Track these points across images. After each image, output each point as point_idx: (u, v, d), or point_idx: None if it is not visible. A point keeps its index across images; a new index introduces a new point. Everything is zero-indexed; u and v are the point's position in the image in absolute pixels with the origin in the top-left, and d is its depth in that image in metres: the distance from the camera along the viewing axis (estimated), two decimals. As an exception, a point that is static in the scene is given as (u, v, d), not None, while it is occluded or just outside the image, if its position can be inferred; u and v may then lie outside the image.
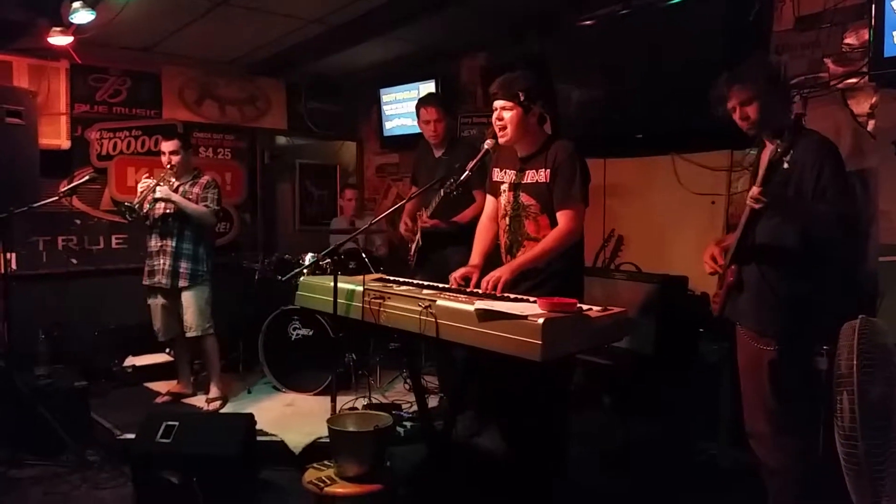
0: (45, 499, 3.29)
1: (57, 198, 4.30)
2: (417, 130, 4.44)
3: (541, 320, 2.15)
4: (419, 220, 4.14)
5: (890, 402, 2.11)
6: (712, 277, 2.82)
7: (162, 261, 4.37)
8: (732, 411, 3.17)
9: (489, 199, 3.20)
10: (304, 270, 4.10)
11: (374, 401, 4.45)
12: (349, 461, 2.78)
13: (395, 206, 3.42)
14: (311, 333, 4.76)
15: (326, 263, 4.54)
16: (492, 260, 3.07)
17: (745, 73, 2.61)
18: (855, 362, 2.13)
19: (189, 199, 4.35)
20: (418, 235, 4.17)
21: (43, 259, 5.30)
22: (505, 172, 3.07)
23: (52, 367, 4.38)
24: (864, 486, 2.12)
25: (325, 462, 2.93)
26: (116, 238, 5.65)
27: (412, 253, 4.23)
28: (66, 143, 5.34)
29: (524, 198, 2.95)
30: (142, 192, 4.26)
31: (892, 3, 2.95)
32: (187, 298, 4.39)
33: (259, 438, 3.59)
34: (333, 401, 3.18)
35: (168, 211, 4.35)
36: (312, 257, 4.77)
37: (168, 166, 4.36)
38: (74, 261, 5.43)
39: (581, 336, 2.37)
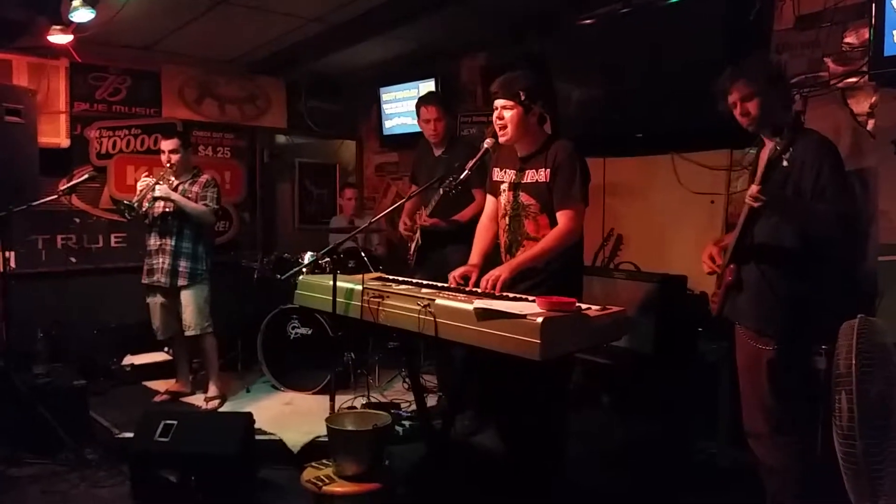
0: (44, 497, 3.29)
1: (56, 196, 4.29)
2: (417, 129, 4.43)
3: (540, 319, 2.15)
4: (418, 219, 4.14)
5: (888, 402, 2.12)
6: (711, 277, 2.82)
7: (161, 259, 4.37)
8: (731, 410, 3.17)
9: (489, 198, 3.20)
10: (304, 269, 4.11)
11: (372, 400, 4.45)
12: (348, 460, 2.78)
13: (395, 205, 3.42)
14: (309, 332, 4.76)
15: (325, 262, 4.54)
16: (491, 259, 3.07)
17: (748, 68, 2.62)
18: (854, 362, 2.14)
19: (188, 198, 4.34)
20: (418, 234, 4.16)
21: (42, 258, 5.30)
22: (505, 172, 3.07)
23: (51, 365, 4.38)
24: (862, 485, 2.12)
25: (324, 461, 2.92)
26: (115, 237, 5.65)
27: (411, 252, 4.23)
28: (65, 142, 5.34)
29: (524, 197, 2.95)
30: (141, 191, 4.26)
31: (893, 3, 2.95)
32: (186, 297, 4.39)
33: (257, 437, 3.59)
34: (332, 400, 3.18)
35: (167, 210, 4.34)
36: (311, 256, 4.77)
37: (167, 165, 4.36)
38: (73, 259, 5.43)
39: (580, 335, 2.37)
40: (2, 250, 4.05)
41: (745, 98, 2.56)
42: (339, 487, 2.75)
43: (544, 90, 3.03)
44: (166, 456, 3.11)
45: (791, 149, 2.39)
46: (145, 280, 4.47)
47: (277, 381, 4.82)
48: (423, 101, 4.20)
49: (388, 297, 2.69)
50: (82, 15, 4.09)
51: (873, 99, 3.26)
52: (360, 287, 2.82)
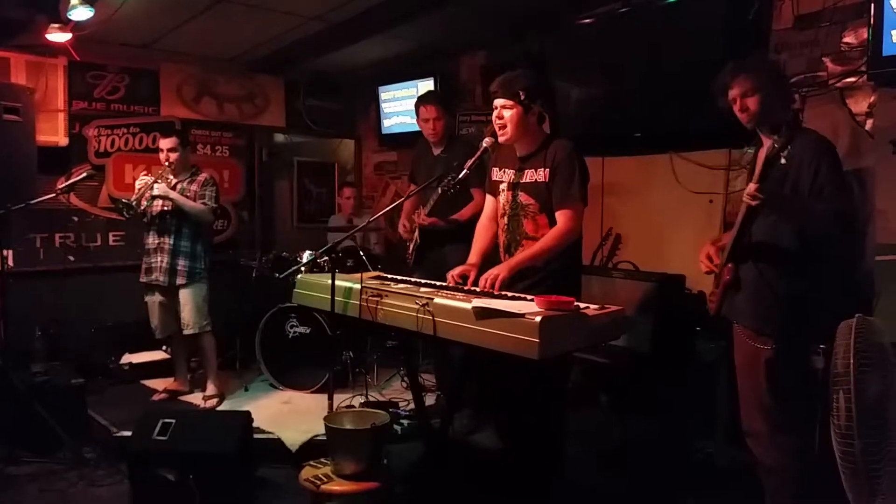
0: (42, 496, 3.29)
1: (54, 195, 4.29)
2: (416, 128, 4.43)
3: (538, 318, 2.15)
4: (417, 218, 4.14)
5: (886, 401, 2.12)
6: (709, 276, 2.82)
7: (159, 258, 4.37)
8: (729, 410, 3.17)
9: (488, 198, 3.20)
10: (302, 268, 4.12)
11: (371, 399, 4.45)
12: (346, 459, 2.78)
13: (393, 204, 3.42)
14: (308, 331, 4.76)
15: (324, 261, 4.54)
16: (490, 259, 3.07)
17: (749, 65, 2.62)
18: (851, 361, 2.14)
19: (187, 197, 4.34)
20: (416, 233, 4.16)
21: (40, 256, 5.29)
22: (504, 172, 3.07)
23: (49, 364, 4.38)
24: (860, 485, 2.13)
25: (322, 460, 2.92)
26: (114, 235, 5.64)
27: (410, 251, 4.23)
28: (63, 140, 5.33)
29: (523, 197, 2.95)
30: (139, 190, 4.26)
31: (892, 3, 2.95)
32: (185, 296, 4.39)
33: (256, 436, 3.59)
34: (330, 398, 3.18)
35: (166, 208, 4.34)
36: (310, 255, 4.78)
37: (166, 163, 4.35)
38: (72, 258, 5.43)
39: (578, 334, 2.37)
40: (0, 248, 4.05)
41: (746, 94, 2.56)
42: (338, 486, 2.75)
43: (543, 89, 3.03)
44: (164, 454, 3.11)
45: (789, 146, 2.39)
46: (143, 279, 4.47)
47: (276, 379, 4.82)
48: (422, 101, 4.20)
49: (386, 295, 2.69)
50: (81, 13, 4.09)
51: (872, 99, 3.26)
52: (358, 286, 2.82)
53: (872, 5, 3.01)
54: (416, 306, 2.49)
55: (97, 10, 4.15)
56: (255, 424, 3.55)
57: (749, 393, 2.67)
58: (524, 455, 2.99)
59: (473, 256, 3.08)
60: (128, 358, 5.15)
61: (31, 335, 4.79)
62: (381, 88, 6.16)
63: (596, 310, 2.44)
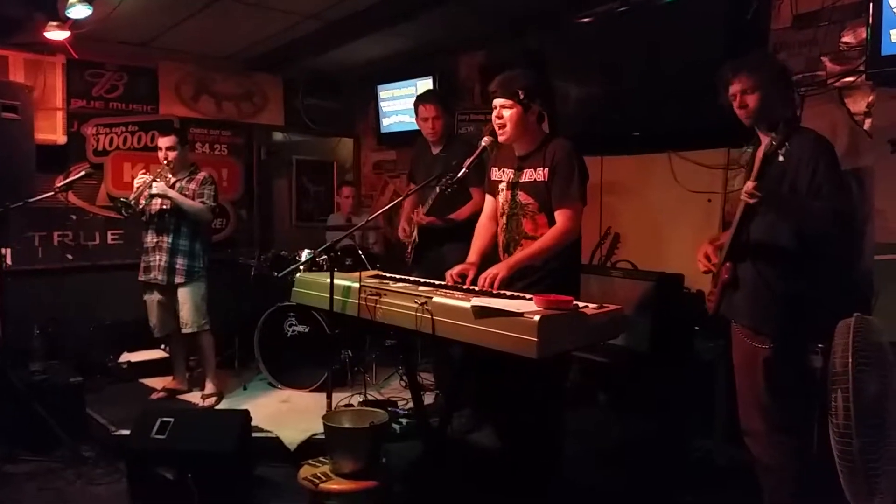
0: (40, 495, 3.28)
1: (53, 193, 4.29)
2: (415, 127, 4.43)
3: (537, 317, 2.15)
4: (415, 217, 4.14)
5: (884, 400, 2.12)
6: (708, 275, 2.82)
7: (158, 257, 4.36)
8: (728, 409, 3.18)
9: (488, 198, 3.20)
10: (301, 267, 4.11)
11: (369, 397, 4.45)
12: (344, 458, 2.78)
13: (392, 203, 3.42)
14: (306, 330, 4.76)
15: (323, 260, 4.52)
16: (489, 259, 3.07)
17: (751, 62, 2.62)
18: (850, 360, 2.14)
19: (185, 196, 4.33)
20: (415, 233, 4.16)
21: (38, 254, 5.29)
22: (503, 171, 3.07)
23: (47, 362, 4.38)
24: (858, 484, 2.13)
25: (321, 458, 2.92)
26: (112, 234, 5.64)
27: (409, 250, 4.23)
28: (62, 139, 5.33)
29: (522, 196, 2.95)
30: (138, 188, 4.25)
31: (890, 2, 2.95)
32: (183, 295, 4.38)
33: (254, 435, 3.59)
34: (329, 397, 3.18)
35: (164, 207, 4.34)
36: (309, 254, 4.77)
37: (164, 162, 4.35)
38: (70, 256, 5.42)
39: (577, 333, 2.37)
40: (-2, 247, 4.05)
41: (746, 91, 2.56)
42: (336, 485, 2.75)
43: (543, 89, 3.03)
44: (163, 453, 3.11)
45: (787, 144, 2.39)
46: (142, 277, 4.46)
47: (274, 378, 4.82)
48: (421, 100, 4.19)
49: (385, 294, 2.69)
50: (79, 11, 4.09)
51: (870, 98, 3.27)
52: (357, 285, 2.82)
53: (871, 5, 3.02)
54: (415, 305, 2.49)
55: (95, 8, 4.15)
56: (253, 423, 3.55)
57: (747, 392, 2.68)
58: (523, 454, 2.99)
59: (472, 255, 3.08)
60: (126, 356, 5.15)
61: (29, 334, 4.79)
62: (379, 87, 6.16)
63: (594, 309, 2.44)
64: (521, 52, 4.77)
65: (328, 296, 2.86)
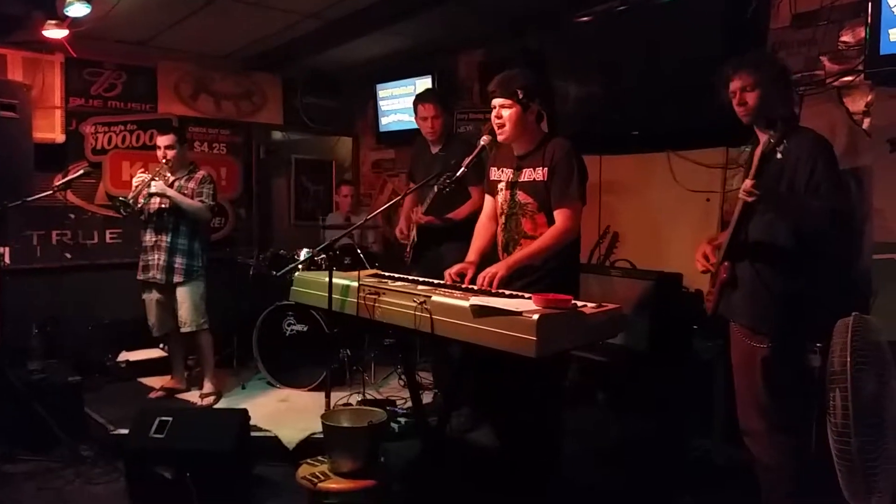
0: (39, 494, 3.28)
1: (51, 192, 4.28)
2: (414, 126, 4.43)
3: (535, 316, 2.15)
4: (413, 216, 4.13)
5: (882, 400, 2.12)
6: (706, 275, 2.82)
7: (156, 256, 4.36)
8: (726, 408, 3.18)
9: (487, 198, 3.19)
10: (299, 266, 4.11)
11: (368, 397, 4.45)
12: (343, 457, 2.78)
13: (391, 202, 3.42)
14: (305, 329, 4.76)
15: (321, 259, 4.53)
16: (488, 258, 3.07)
17: (752, 60, 2.63)
18: (848, 360, 2.14)
19: (184, 194, 4.33)
20: (414, 232, 4.16)
21: (37, 253, 5.28)
22: (502, 171, 3.06)
23: (46, 361, 4.38)
24: (856, 483, 2.13)
25: (319, 458, 2.92)
26: (111, 233, 5.64)
27: (408, 249, 4.23)
28: (60, 137, 5.32)
29: (521, 196, 2.95)
30: (137, 187, 4.24)
31: (889, 1, 2.95)
32: (182, 294, 4.38)
33: (253, 434, 3.58)
34: (328, 396, 3.18)
35: (163, 206, 4.33)
36: (307, 253, 4.78)
37: (163, 161, 4.34)
38: (68, 255, 5.42)
39: (576, 332, 2.37)
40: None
41: (746, 88, 2.56)
42: (335, 484, 2.75)
43: (542, 88, 3.03)
44: (161, 452, 3.10)
45: (785, 142, 2.39)
46: (141, 276, 4.46)
47: (273, 377, 4.82)
48: (420, 99, 4.19)
49: (384, 293, 2.69)
50: (77, 10, 4.08)
51: (869, 97, 3.27)
52: (356, 284, 2.81)
53: (870, 4, 3.02)
54: (414, 304, 2.48)
55: (94, 7, 4.14)
56: (252, 422, 3.54)
57: (746, 391, 2.68)
58: (521, 453, 2.99)
59: (472, 255, 3.08)
60: (125, 356, 5.15)
61: (28, 333, 4.79)
62: (378, 86, 6.16)
63: (593, 308, 2.44)
64: (520, 51, 4.77)
65: (327, 295, 2.86)
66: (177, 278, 4.35)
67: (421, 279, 3.05)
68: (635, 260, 4.32)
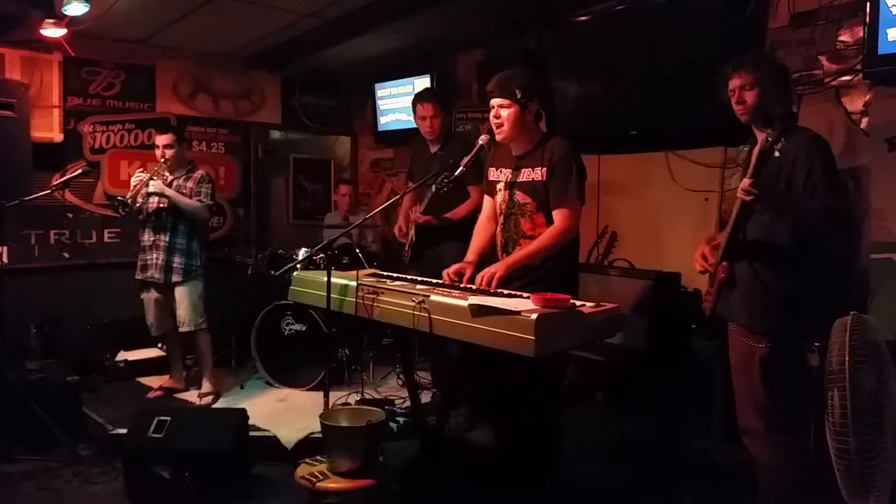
0: (37, 493, 3.27)
1: (49, 191, 4.28)
2: (412, 125, 4.43)
3: (534, 316, 2.15)
4: (412, 215, 4.13)
5: (881, 399, 2.12)
6: (705, 274, 2.82)
7: (155, 255, 4.36)
8: (725, 407, 3.18)
9: (486, 198, 3.19)
10: (298, 265, 4.11)
11: (366, 396, 4.45)
12: (342, 456, 2.78)
13: (389, 202, 3.42)
14: (304, 329, 4.75)
15: (320, 258, 4.53)
16: (487, 258, 3.07)
17: (752, 59, 2.63)
18: (847, 359, 2.14)
19: (183, 194, 4.33)
20: (412, 231, 4.16)
21: (35, 253, 5.27)
22: (500, 171, 3.06)
23: (44, 361, 4.37)
24: (855, 482, 2.13)
25: (318, 457, 2.92)
26: (109, 232, 5.63)
27: (406, 249, 4.23)
28: (58, 136, 5.31)
29: (520, 196, 2.95)
30: (135, 187, 4.24)
31: (887, 1, 2.96)
32: (180, 293, 4.38)
33: (251, 433, 3.58)
34: (326, 396, 3.18)
35: (162, 205, 4.33)
36: (306, 252, 4.77)
37: (162, 160, 4.34)
38: (67, 255, 5.41)
39: (574, 332, 2.37)
40: (-6, 245, 4.04)
41: (745, 87, 2.57)
42: (334, 484, 2.75)
43: (540, 87, 3.02)
44: (160, 452, 3.10)
45: (782, 140, 2.39)
46: (139, 276, 4.46)
47: (271, 377, 4.82)
48: (419, 98, 4.19)
49: (382, 293, 2.69)
50: (76, 8, 4.07)
51: (867, 97, 3.27)
52: (354, 283, 2.81)
53: (868, 4, 3.02)
54: (413, 304, 2.49)
55: (92, 6, 4.14)
56: (250, 422, 3.55)
57: (744, 391, 2.68)
58: (520, 452, 2.99)
59: (471, 254, 3.08)
60: (123, 355, 5.14)
61: (26, 332, 4.78)
62: (377, 85, 6.16)
63: (592, 307, 2.44)
64: (518, 51, 4.77)
65: (325, 294, 2.85)
66: (175, 278, 4.35)
67: (419, 279, 3.05)
68: (634, 259, 4.33)
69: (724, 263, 2.63)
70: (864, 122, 3.28)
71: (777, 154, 2.44)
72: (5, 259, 4.87)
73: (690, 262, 2.82)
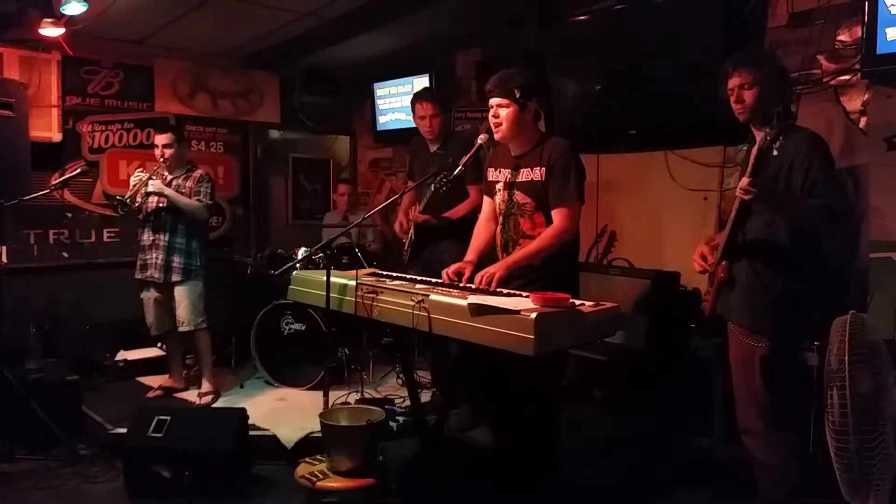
0: (37, 493, 3.28)
1: (48, 191, 4.28)
2: (411, 125, 4.42)
3: (533, 315, 2.15)
4: (411, 215, 4.13)
5: (880, 398, 2.13)
6: (704, 274, 2.83)
7: (154, 255, 4.35)
8: (725, 406, 3.18)
9: (486, 199, 3.19)
10: (297, 265, 4.11)
11: (366, 395, 4.45)
12: (341, 456, 2.78)
13: (389, 201, 3.42)
14: (303, 328, 4.75)
15: (319, 258, 4.53)
16: (487, 259, 3.06)
17: (752, 58, 2.64)
18: (846, 358, 2.14)
19: (182, 193, 4.32)
20: (411, 230, 4.16)
21: (34, 252, 5.27)
22: (499, 172, 3.06)
23: (44, 361, 4.36)
24: (854, 481, 2.14)
25: (318, 456, 2.92)
26: (108, 232, 5.63)
27: (406, 248, 4.23)
28: (57, 136, 5.30)
29: (519, 196, 2.95)
30: (134, 186, 4.24)
31: (886, 1, 2.96)
32: (180, 293, 4.38)
33: (251, 433, 3.59)
34: (326, 395, 3.17)
35: (161, 205, 4.33)
36: (305, 252, 4.77)
37: (161, 160, 4.34)
38: (66, 254, 5.41)
39: (574, 331, 2.37)
40: (-7, 245, 4.04)
41: (744, 85, 2.57)
42: (333, 483, 2.75)
43: (539, 87, 3.03)
44: (160, 451, 3.11)
45: (781, 138, 2.39)
46: (139, 275, 4.45)
47: (271, 376, 4.82)
48: (418, 98, 4.19)
49: (382, 292, 2.69)
50: (74, 8, 4.07)
51: (866, 97, 3.28)
52: (353, 283, 2.81)
53: (867, 3, 3.02)
54: (412, 303, 2.49)
55: (91, 5, 4.14)
56: (250, 421, 3.55)
57: (744, 390, 2.68)
58: (520, 451, 3.00)
59: (470, 254, 3.08)
60: (123, 355, 5.14)
61: (25, 332, 4.78)
62: (376, 85, 6.15)
63: (591, 307, 2.44)
64: (517, 50, 4.77)
65: (325, 294, 2.86)
66: (175, 277, 4.35)
67: (419, 278, 3.05)
68: (633, 259, 4.33)
69: (724, 263, 2.63)
70: (863, 122, 3.28)
71: (776, 153, 2.44)
72: (5, 259, 4.86)
73: (690, 262, 2.82)
